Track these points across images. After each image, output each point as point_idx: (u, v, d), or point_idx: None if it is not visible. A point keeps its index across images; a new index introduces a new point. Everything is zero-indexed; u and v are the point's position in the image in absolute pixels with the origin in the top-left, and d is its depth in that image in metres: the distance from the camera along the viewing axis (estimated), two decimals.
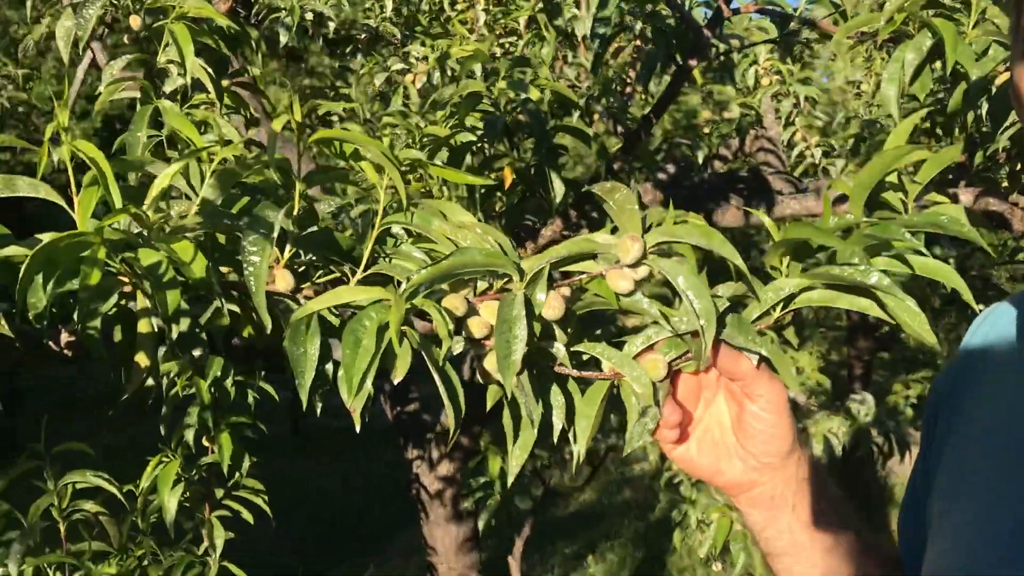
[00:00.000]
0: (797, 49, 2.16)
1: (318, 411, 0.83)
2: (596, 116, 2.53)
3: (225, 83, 1.41)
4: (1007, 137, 1.50)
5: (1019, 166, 1.94)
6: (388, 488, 6.96)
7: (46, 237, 0.73)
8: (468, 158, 1.51)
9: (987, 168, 2.24)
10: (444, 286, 0.73)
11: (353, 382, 0.68)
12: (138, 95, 1.29)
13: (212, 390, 1.73)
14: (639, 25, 1.82)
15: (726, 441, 0.73)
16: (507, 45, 2.73)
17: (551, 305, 0.68)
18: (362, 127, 3.12)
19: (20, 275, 0.70)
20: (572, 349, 0.71)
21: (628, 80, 2.95)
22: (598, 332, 0.70)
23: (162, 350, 0.80)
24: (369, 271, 0.77)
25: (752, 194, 2.40)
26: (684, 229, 0.59)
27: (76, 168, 0.78)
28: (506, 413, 0.76)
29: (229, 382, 1.77)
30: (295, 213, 0.77)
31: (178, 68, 1.29)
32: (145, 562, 1.85)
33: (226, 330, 0.87)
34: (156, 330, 0.81)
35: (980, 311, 0.77)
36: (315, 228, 0.80)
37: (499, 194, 1.62)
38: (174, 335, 0.73)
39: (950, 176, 2.69)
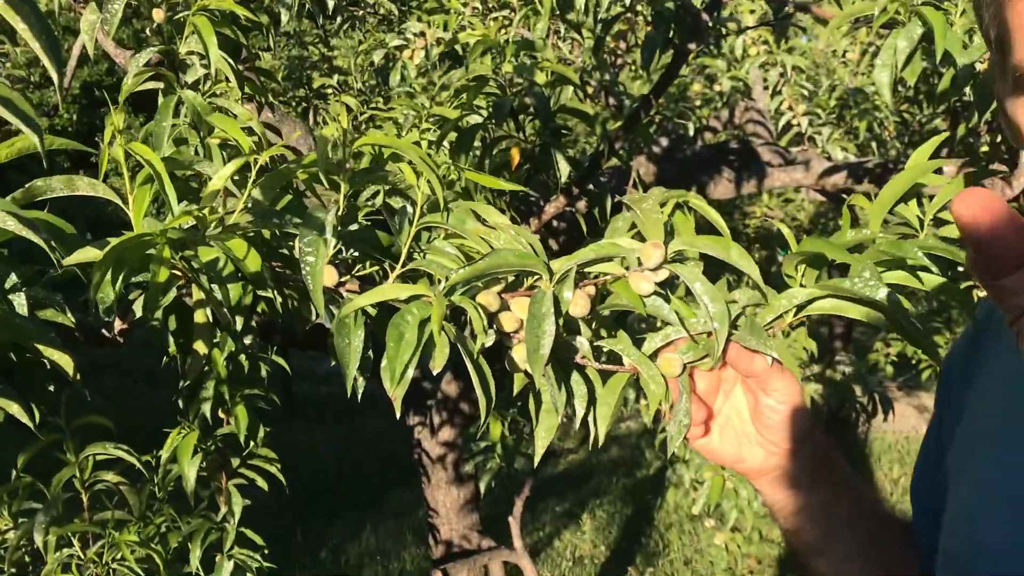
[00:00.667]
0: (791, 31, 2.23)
1: (348, 391, 0.87)
2: (590, 90, 2.58)
3: (239, 67, 1.46)
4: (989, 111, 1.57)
5: (999, 138, 2.03)
6: (380, 453, 7.08)
7: (114, 241, 0.79)
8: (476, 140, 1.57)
9: (969, 139, 2.33)
10: (479, 283, 0.80)
11: (396, 372, 0.75)
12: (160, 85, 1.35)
13: (228, 364, 1.80)
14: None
15: (746, 430, 0.79)
16: (501, 19, 2.77)
17: (577, 303, 0.74)
18: (355, 98, 3.15)
19: (93, 273, 0.76)
20: (594, 344, 0.78)
21: (619, 52, 3.00)
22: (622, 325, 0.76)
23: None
24: (407, 267, 0.84)
25: (742, 166, 2.47)
26: (703, 240, 0.66)
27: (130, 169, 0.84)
28: (531, 401, 0.83)
29: (243, 356, 1.84)
30: (340, 213, 0.83)
31: (200, 59, 1.34)
32: (164, 529, 1.92)
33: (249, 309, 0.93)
34: (211, 320, 0.88)
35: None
36: (357, 226, 0.86)
37: (505, 173, 1.69)
38: (238, 326, 0.80)
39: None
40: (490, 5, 2.83)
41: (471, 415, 2.58)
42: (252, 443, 1.91)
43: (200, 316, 0.86)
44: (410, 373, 0.76)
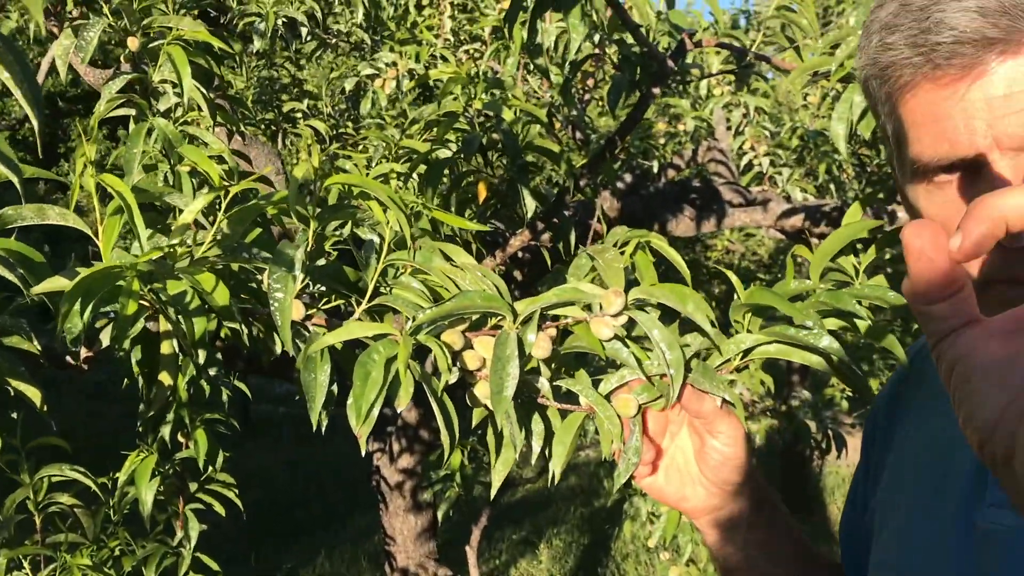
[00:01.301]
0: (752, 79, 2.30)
1: (314, 426, 0.88)
2: (558, 125, 2.62)
3: (211, 96, 1.48)
4: None
5: None
6: (337, 476, 7.03)
7: (83, 272, 0.80)
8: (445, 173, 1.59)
9: None
10: (444, 322, 0.82)
11: (362, 411, 0.77)
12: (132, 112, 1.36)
13: (189, 388, 1.79)
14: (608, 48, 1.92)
15: (690, 471, 0.82)
16: (472, 52, 2.81)
17: (540, 345, 0.77)
18: (325, 123, 3.17)
19: (62, 304, 0.77)
20: (554, 383, 0.80)
21: (586, 89, 3.05)
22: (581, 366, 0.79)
23: None
24: (373, 302, 0.86)
25: (704, 204, 2.52)
26: (661, 290, 0.69)
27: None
28: (490, 435, 0.85)
29: (204, 380, 1.84)
30: (309, 248, 0.85)
31: (173, 87, 1.35)
32: (118, 552, 1.91)
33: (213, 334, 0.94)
34: (177, 351, 0.89)
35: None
36: (324, 260, 0.88)
37: (473, 206, 1.72)
38: (201, 359, 0.81)
39: (880, 196, 2.84)
40: (462, 38, 2.88)
41: (431, 442, 2.59)
42: (211, 467, 1.91)
43: (166, 347, 0.87)
44: (376, 412, 0.78)
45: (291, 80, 3.59)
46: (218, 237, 0.88)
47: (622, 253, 0.97)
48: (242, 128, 1.50)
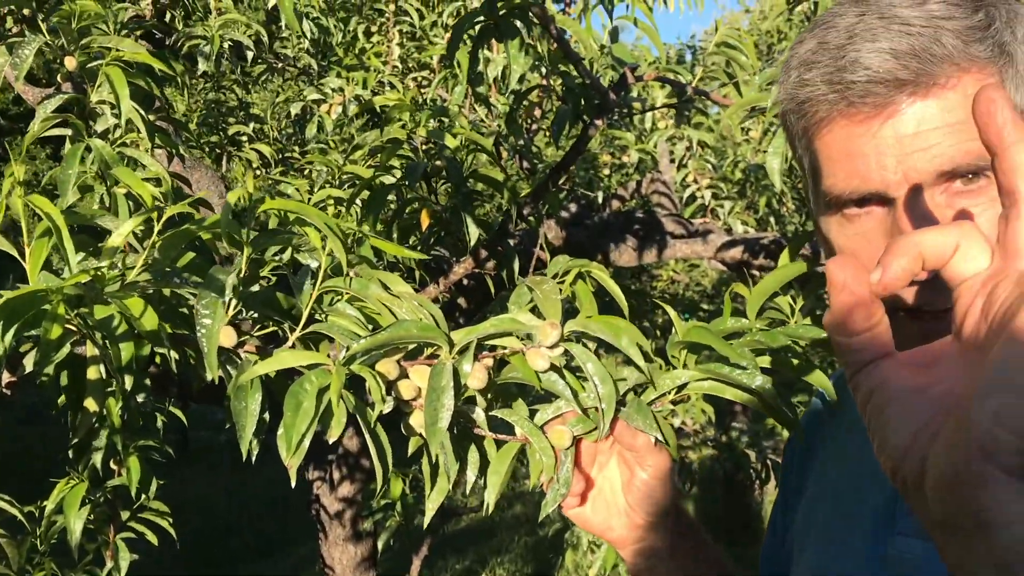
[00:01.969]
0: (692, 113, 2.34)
1: (244, 455, 0.87)
2: (505, 154, 2.64)
3: (151, 117, 1.46)
4: None
5: None
6: (276, 504, 6.90)
7: (6, 294, 0.78)
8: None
9: None
10: (379, 351, 0.81)
11: (292, 442, 0.76)
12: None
13: (122, 414, 1.75)
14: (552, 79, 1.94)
15: (616, 501, 0.83)
16: (420, 79, 2.82)
17: (476, 376, 0.77)
18: (271, 147, 3.15)
19: None
20: (490, 413, 0.80)
21: (533, 119, 3.08)
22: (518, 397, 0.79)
23: None
24: (307, 329, 0.85)
25: (647, 235, 2.55)
26: (597, 324, 0.70)
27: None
28: (425, 464, 0.84)
29: (133, 406, 1.79)
30: (243, 274, 0.84)
31: (111, 108, 1.33)
32: None
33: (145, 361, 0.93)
34: (104, 377, 0.87)
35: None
36: (258, 287, 0.87)
37: (417, 233, 1.71)
38: (127, 385, 0.79)
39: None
40: (410, 65, 2.89)
41: (371, 471, 2.56)
42: (144, 495, 1.86)
43: (93, 372, 0.85)
44: (307, 443, 0.77)
45: (238, 103, 3.56)
46: (149, 261, 0.86)
47: (562, 283, 0.97)
48: (182, 151, 1.48)
